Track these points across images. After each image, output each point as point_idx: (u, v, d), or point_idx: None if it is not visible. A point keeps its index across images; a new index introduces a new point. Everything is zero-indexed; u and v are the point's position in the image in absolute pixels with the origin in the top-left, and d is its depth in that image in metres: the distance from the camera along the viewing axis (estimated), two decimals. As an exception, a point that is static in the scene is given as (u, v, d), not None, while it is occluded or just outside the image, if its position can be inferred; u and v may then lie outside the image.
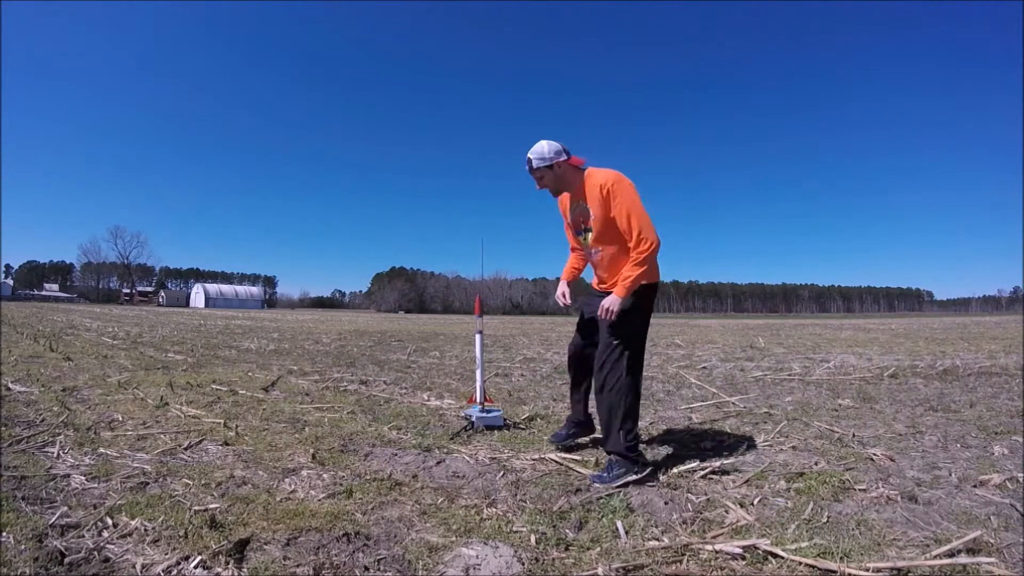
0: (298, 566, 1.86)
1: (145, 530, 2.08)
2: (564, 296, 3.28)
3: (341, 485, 2.68)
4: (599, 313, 2.85)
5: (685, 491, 2.62)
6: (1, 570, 1.77)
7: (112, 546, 1.96)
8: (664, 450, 3.49)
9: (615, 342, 2.86)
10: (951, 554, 1.95)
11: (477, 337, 4.51)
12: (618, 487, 2.69)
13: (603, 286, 3.11)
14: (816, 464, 3.10)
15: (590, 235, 3.04)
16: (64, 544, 1.95)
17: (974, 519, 2.33)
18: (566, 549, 2.04)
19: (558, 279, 3.45)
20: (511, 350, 11.43)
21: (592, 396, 3.17)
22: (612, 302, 2.80)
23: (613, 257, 3.00)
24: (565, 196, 3.14)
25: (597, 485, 2.73)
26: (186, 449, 3.28)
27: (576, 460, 3.15)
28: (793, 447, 3.53)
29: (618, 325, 2.84)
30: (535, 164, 3.01)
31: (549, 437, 3.56)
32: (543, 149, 2.99)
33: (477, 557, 1.94)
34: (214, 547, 1.94)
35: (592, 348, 3.09)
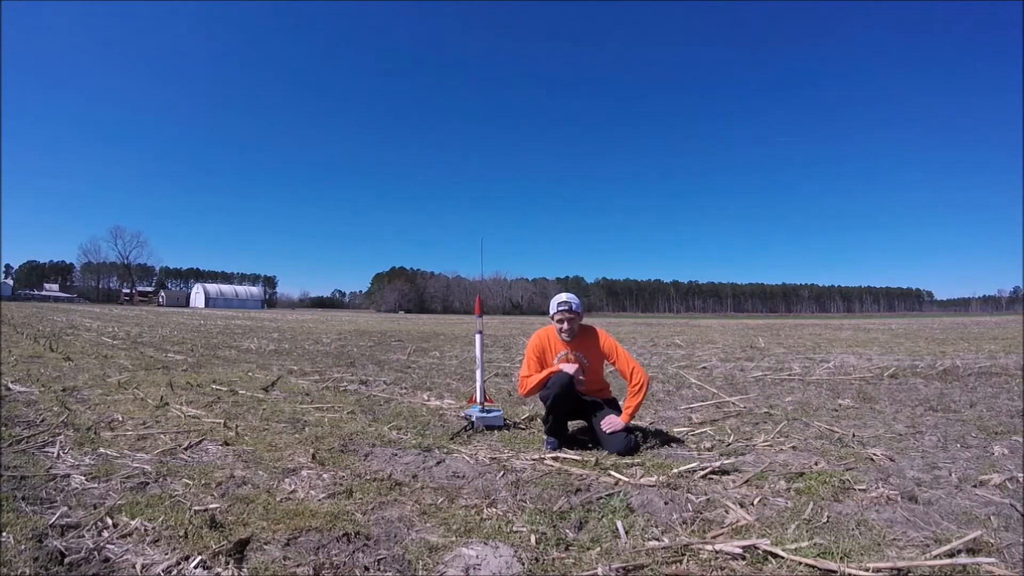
0: (298, 566, 1.86)
1: (145, 530, 2.08)
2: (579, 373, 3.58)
3: (341, 485, 2.68)
4: (605, 426, 3.48)
5: (685, 491, 2.62)
6: (1, 570, 1.77)
7: (112, 546, 1.96)
8: (664, 450, 3.49)
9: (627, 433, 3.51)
10: (951, 554, 1.95)
11: (477, 337, 4.51)
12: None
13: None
14: (816, 464, 3.10)
15: (581, 375, 3.59)
16: (64, 544, 1.95)
17: (974, 519, 2.33)
18: (566, 549, 2.04)
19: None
20: (511, 350, 11.43)
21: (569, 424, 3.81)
22: (619, 424, 3.46)
23: (592, 380, 3.71)
24: (548, 339, 3.71)
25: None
26: (186, 449, 3.28)
27: (576, 460, 3.15)
28: (793, 447, 3.53)
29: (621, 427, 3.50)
30: (575, 307, 3.60)
31: (544, 447, 3.50)
32: (575, 298, 3.65)
33: (477, 557, 1.94)
34: (214, 547, 1.94)
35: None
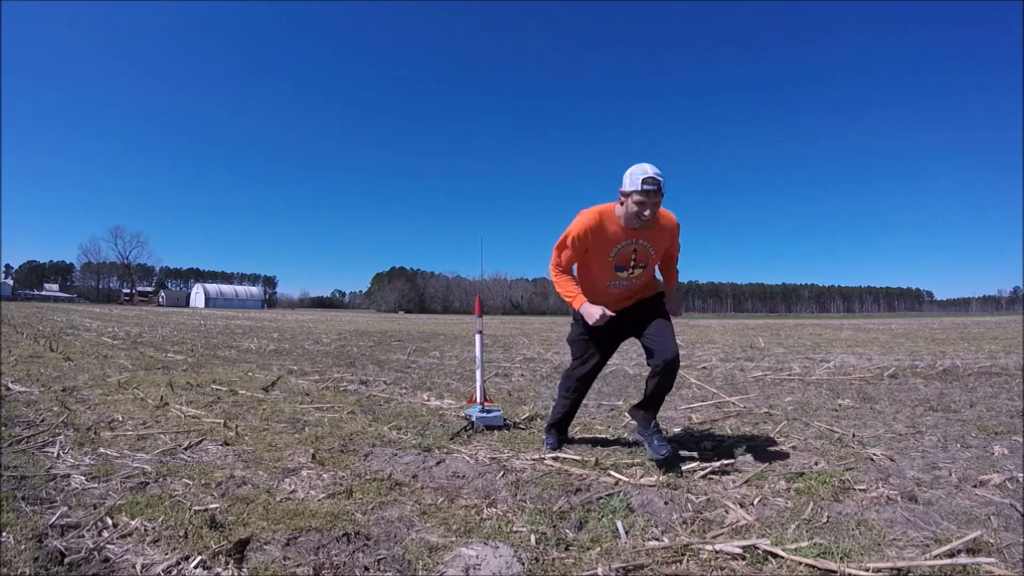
0: (298, 566, 1.86)
1: (145, 530, 2.08)
2: (605, 314, 2.95)
3: (341, 485, 2.68)
4: (674, 312, 3.17)
5: (685, 491, 2.62)
6: (1, 570, 1.77)
7: (112, 546, 1.96)
8: (664, 450, 3.48)
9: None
10: (951, 554, 1.95)
11: (477, 337, 4.51)
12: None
13: (621, 304, 3.15)
14: (816, 464, 3.10)
15: (640, 271, 3.03)
16: (64, 544, 1.95)
17: (974, 519, 2.33)
18: (566, 549, 2.04)
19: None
20: (511, 350, 11.43)
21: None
22: (681, 301, 3.14)
23: (645, 280, 3.16)
24: (608, 223, 2.88)
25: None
26: (186, 449, 3.28)
27: (576, 460, 3.15)
28: (793, 447, 3.53)
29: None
30: (664, 186, 2.74)
31: (544, 448, 3.48)
32: (658, 170, 2.75)
33: (477, 557, 1.94)
34: (214, 547, 1.94)
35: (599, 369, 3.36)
